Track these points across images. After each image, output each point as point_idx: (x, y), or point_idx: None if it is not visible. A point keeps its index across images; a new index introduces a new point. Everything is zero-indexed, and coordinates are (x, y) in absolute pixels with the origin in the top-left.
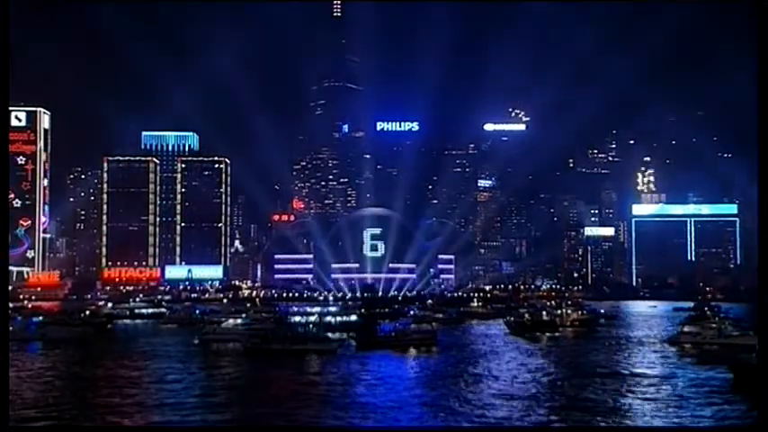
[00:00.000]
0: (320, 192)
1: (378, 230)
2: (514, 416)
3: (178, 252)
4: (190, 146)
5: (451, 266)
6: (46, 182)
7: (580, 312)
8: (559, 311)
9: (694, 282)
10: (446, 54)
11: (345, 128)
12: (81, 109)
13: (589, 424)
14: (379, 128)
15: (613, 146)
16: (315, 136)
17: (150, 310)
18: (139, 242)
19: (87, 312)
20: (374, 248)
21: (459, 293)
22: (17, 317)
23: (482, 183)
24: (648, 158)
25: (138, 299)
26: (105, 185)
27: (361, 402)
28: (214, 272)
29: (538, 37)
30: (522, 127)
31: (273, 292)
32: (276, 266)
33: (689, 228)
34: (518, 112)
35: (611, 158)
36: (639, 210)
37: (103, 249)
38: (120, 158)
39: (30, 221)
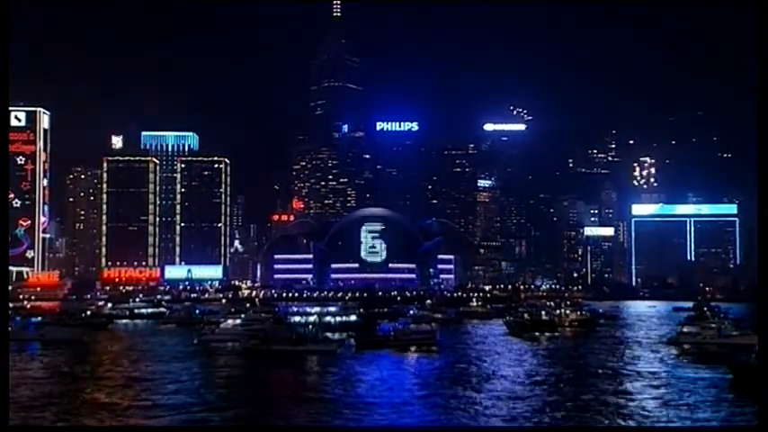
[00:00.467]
0: (320, 192)
1: (377, 230)
2: (511, 414)
3: (178, 252)
4: (189, 146)
5: (451, 266)
6: (45, 182)
7: (579, 312)
8: (558, 312)
9: (694, 282)
10: (446, 54)
11: (345, 128)
12: (81, 109)
13: (588, 424)
14: (378, 128)
15: (613, 146)
16: (315, 136)
17: (150, 310)
18: (139, 242)
19: (88, 312)
20: (374, 248)
21: (459, 293)
22: (16, 317)
23: (482, 183)
24: (648, 158)
25: (137, 299)
26: (105, 185)
27: (363, 402)
28: (214, 272)
29: (538, 37)
30: (521, 127)
31: (273, 292)
32: (276, 266)
33: (689, 228)
34: (518, 111)
35: (610, 158)
36: (639, 210)
37: (103, 249)
38: (120, 158)
39: (29, 221)
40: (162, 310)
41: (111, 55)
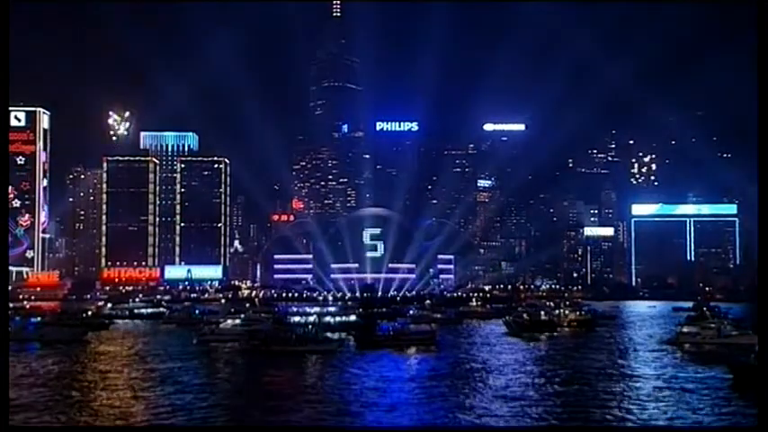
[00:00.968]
0: (320, 192)
1: (377, 230)
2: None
3: (177, 252)
4: (189, 146)
5: (451, 266)
6: (45, 182)
7: (578, 313)
8: (557, 312)
9: (694, 282)
10: (446, 54)
11: (345, 128)
12: (81, 108)
13: (585, 424)
14: (378, 128)
15: (613, 146)
16: (314, 136)
17: (150, 311)
18: (139, 242)
19: (89, 313)
20: (373, 248)
21: (459, 293)
22: (15, 317)
23: (482, 183)
24: (648, 158)
25: (137, 299)
26: (105, 185)
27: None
28: (214, 272)
29: (538, 37)
30: (521, 127)
31: (273, 292)
32: (276, 266)
33: (688, 228)
34: (518, 112)
35: (610, 158)
36: (639, 210)
37: (103, 249)
38: (120, 159)
39: (29, 221)
40: (162, 310)
41: (111, 55)
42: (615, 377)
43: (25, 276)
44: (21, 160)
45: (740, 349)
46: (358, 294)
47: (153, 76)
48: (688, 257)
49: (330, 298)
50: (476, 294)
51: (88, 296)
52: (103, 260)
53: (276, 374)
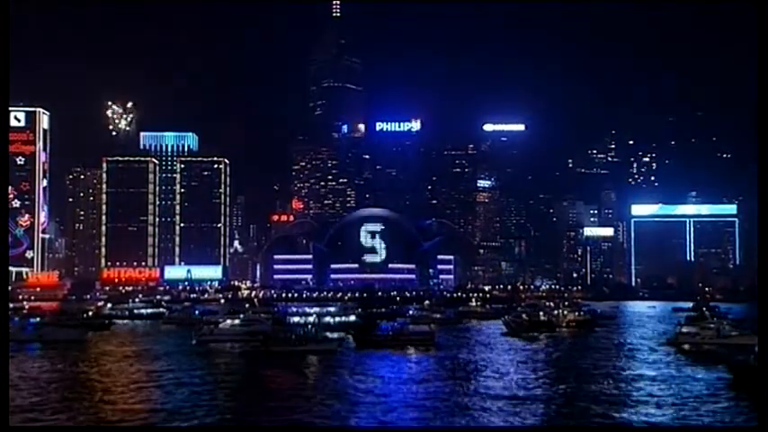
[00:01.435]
0: (319, 192)
1: (377, 231)
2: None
3: (177, 252)
4: (189, 146)
5: (451, 267)
6: (45, 182)
7: (577, 313)
8: (556, 312)
9: (693, 282)
10: (445, 54)
11: (345, 128)
12: (80, 109)
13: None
14: (378, 128)
15: (613, 146)
16: (314, 136)
17: (149, 311)
18: (139, 242)
19: (89, 313)
20: (373, 249)
21: (459, 294)
22: (14, 318)
23: (481, 183)
24: (648, 159)
25: (137, 299)
26: (104, 186)
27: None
28: (213, 272)
29: (537, 37)
30: (521, 127)
31: (273, 292)
32: (275, 267)
33: (688, 228)
34: (517, 112)
35: (610, 159)
36: (639, 210)
37: (103, 250)
38: (120, 159)
39: (29, 222)
40: (162, 310)
41: (111, 55)
42: (611, 377)
43: (25, 277)
44: (20, 160)
45: (740, 350)
46: (357, 294)
47: (153, 76)
48: (688, 258)
49: (330, 298)
50: (475, 294)
51: (88, 296)
52: (103, 260)
53: (275, 374)
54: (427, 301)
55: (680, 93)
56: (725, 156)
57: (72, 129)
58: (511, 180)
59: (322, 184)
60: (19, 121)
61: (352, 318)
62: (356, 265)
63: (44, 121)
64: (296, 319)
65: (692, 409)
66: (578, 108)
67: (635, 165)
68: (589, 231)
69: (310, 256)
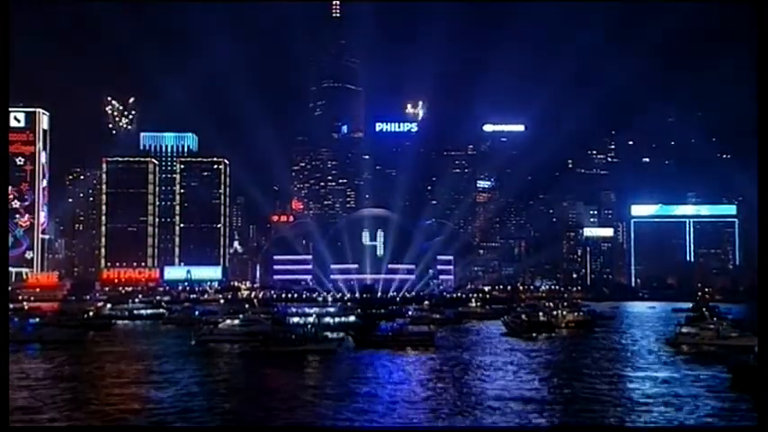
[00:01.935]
0: (319, 192)
1: (377, 231)
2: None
3: (177, 253)
4: (188, 146)
5: (450, 267)
6: (45, 182)
7: (576, 313)
8: (555, 313)
9: (693, 282)
10: (445, 55)
11: (344, 128)
12: (80, 109)
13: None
14: (378, 128)
15: (612, 147)
16: (314, 137)
17: (149, 311)
18: (138, 243)
19: (90, 313)
20: (373, 249)
21: (458, 294)
22: (14, 318)
23: (481, 183)
24: (647, 159)
25: (137, 300)
26: (104, 186)
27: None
28: (213, 272)
29: (537, 37)
30: (521, 128)
31: (272, 292)
32: (275, 267)
33: (688, 228)
34: (517, 112)
35: (610, 159)
36: (638, 210)
37: (102, 250)
38: (119, 159)
39: (29, 222)
40: (161, 311)
41: (111, 56)
42: (607, 378)
43: (24, 277)
44: (20, 161)
45: (739, 350)
46: (357, 295)
47: (153, 76)
48: (687, 258)
49: (329, 298)
50: (475, 295)
51: (88, 297)
52: (103, 261)
53: (273, 374)
54: (426, 302)
55: (679, 93)
56: (724, 156)
57: (72, 129)
58: (510, 180)
59: (322, 184)
60: (19, 121)
61: (352, 318)
62: (356, 266)
63: (44, 121)
64: (295, 319)
65: (689, 412)
66: (578, 108)
67: (634, 165)
68: (589, 232)
69: (310, 257)
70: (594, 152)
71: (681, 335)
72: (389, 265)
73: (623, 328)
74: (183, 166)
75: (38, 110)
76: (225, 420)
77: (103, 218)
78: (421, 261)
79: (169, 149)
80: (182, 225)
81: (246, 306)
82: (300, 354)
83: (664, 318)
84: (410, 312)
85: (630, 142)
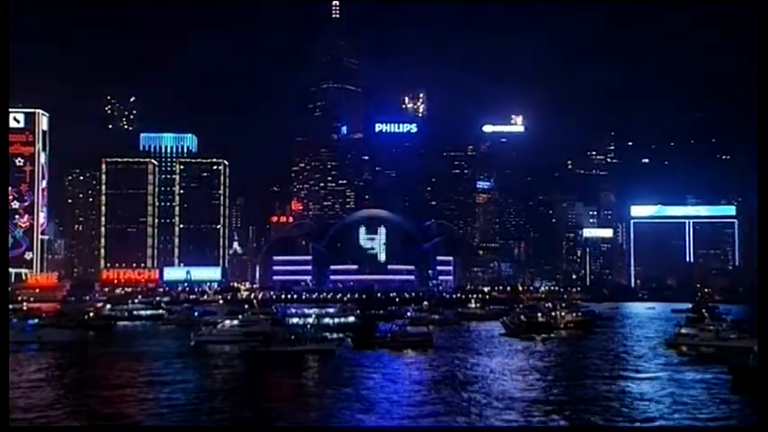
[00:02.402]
0: (319, 193)
1: (376, 232)
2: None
3: (177, 253)
4: (188, 147)
5: (450, 268)
6: (44, 183)
7: (575, 314)
8: (554, 313)
9: (693, 283)
10: (445, 55)
11: (344, 129)
12: (80, 110)
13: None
14: (377, 129)
15: (612, 147)
16: (313, 137)
17: (149, 312)
18: (138, 244)
19: (91, 314)
20: (372, 250)
21: (458, 295)
22: (13, 319)
23: (481, 184)
24: (647, 160)
25: (136, 300)
26: (104, 187)
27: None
28: (213, 273)
29: (537, 37)
30: (520, 128)
31: (272, 293)
32: (275, 268)
33: (687, 229)
34: (516, 113)
35: (609, 160)
36: (638, 211)
37: (102, 251)
38: (119, 160)
39: (28, 223)
40: (161, 311)
41: (111, 56)
42: (602, 379)
43: (24, 278)
44: (20, 162)
45: (738, 352)
46: (357, 296)
47: (152, 77)
48: (687, 259)
49: (329, 299)
50: (475, 296)
51: (87, 298)
52: (102, 261)
53: (271, 374)
54: (426, 303)
55: (679, 94)
56: (724, 157)
57: (71, 130)
58: (510, 181)
59: (321, 185)
60: (18, 122)
61: (351, 319)
62: (355, 267)
63: (43, 122)
64: (295, 320)
65: (689, 414)
66: (578, 109)
67: (634, 166)
68: (588, 232)
69: (309, 258)
70: (594, 153)
71: (680, 336)
72: (389, 266)
73: (622, 329)
74: (182, 167)
75: (37, 111)
76: (224, 420)
77: (103, 218)
78: (420, 262)
79: (168, 150)
80: (181, 226)
81: (246, 307)
82: (299, 354)
83: (663, 318)
84: (409, 313)
85: (630, 143)
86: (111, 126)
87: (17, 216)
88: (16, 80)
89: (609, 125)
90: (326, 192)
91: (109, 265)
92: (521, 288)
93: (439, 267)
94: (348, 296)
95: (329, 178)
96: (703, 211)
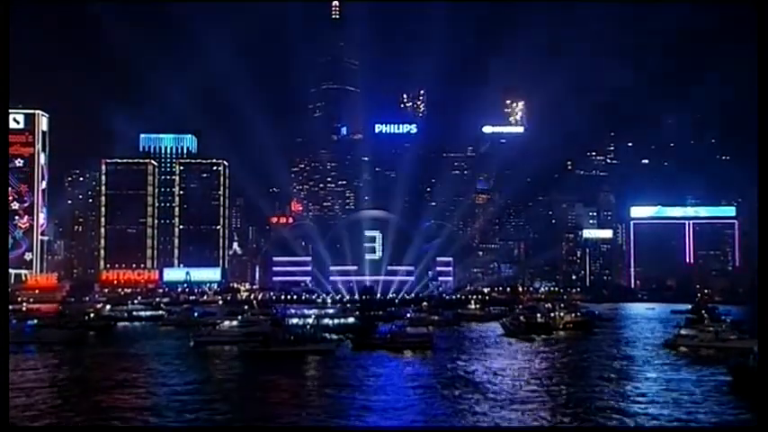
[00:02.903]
0: (318, 194)
1: (376, 233)
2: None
3: (176, 254)
4: (188, 148)
5: (450, 269)
6: (44, 184)
7: (574, 315)
8: (553, 314)
9: (692, 284)
10: (444, 56)
11: (344, 130)
12: (79, 111)
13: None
14: (377, 130)
15: (611, 148)
16: (313, 138)
17: (149, 313)
18: (138, 244)
19: (92, 315)
20: (372, 251)
21: (458, 296)
22: (12, 319)
23: (480, 185)
24: (647, 161)
25: (136, 301)
26: (103, 187)
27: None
28: (212, 274)
29: (537, 38)
30: (520, 129)
31: (272, 294)
32: (274, 269)
33: (687, 230)
34: (516, 114)
35: (609, 161)
36: (638, 212)
37: (102, 251)
38: (119, 161)
39: (28, 224)
40: (161, 312)
41: (110, 56)
42: (602, 379)
43: (24, 279)
44: (20, 162)
45: (738, 353)
46: (356, 296)
47: (152, 78)
48: (687, 260)
49: (329, 300)
50: (474, 297)
51: (87, 298)
52: (102, 262)
53: (269, 374)
54: (425, 303)
55: (678, 94)
56: (724, 158)
57: (71, 131)
58: (510, 182)
59: (321, 186)
60: (18, 123)
61: (351, 320)
62: (355, 268)
63: (43, 123)
64: (294, 320)
65: (689, 414)
66: (577, 110)
67: (634, 167)
68: (588, 233)
69: (309, 259)
70: (594, 153)
71: (679, 337)
72: (389, 267)
73: (622, 330)
74: (182, 168)
75: (37, 111)
76: (223, 421)
77: (103, 219)
78: (420, 263)
79: (168, 151)
80: (181, 226)
81: (246, 307)
82: (299, 354)
83: (662, 319)
84: (408, 314)
85: (630, 144)
86: (110, 127)
87: (17, 217)
88: (16, 80)
89: (609, 126)
90: (326, 192)
91: (109, 265)
92: (520, 289)
93: (438, 268)
94: (348, 297)
95: (329, 179)
96: (703, 211)
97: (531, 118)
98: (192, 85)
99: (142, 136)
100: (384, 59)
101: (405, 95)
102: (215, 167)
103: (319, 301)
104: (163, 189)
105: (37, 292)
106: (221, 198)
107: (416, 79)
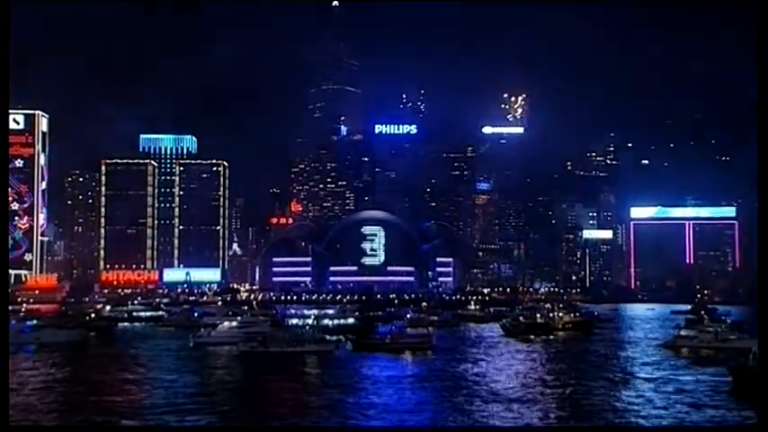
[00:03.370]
0: (318, 194)
1: (376, 233)
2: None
3: (176, 255)
4: (188, 148)
5: (450, 269)
6: (44, 185)
7: (573, 315)
8: (552, 315)
9: (692, 284)
10: (444, 56)
11: (344, 130)
12: (79, 111)
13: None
14: (377, 130)
15: (611, 148)
16: (313, 138)
17: (149, 314)
18: (137, 245)
19: (92, 315)
20: (372, 251)
21: (458, 296)
22: (12, 320)
23: (480, 185)
24: (647, 161)
25: (136, 302)
26: (103, 188)
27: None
28: (212, 275)
29: (537, 38)
30: (520, 129)
31: (272, 294)
32: (274, 269)
33: (687, 230)
34: (516, 114)
35: (609, 161)
36: (638, 212)
37: (101, 252)
38: (118, 161)
39: (27, 224)
40: (161, 313)
41: (110, 56)
42: (602, 380)
43: (23, 279)
44: (19, 163)
45: (739, 353)
46: (356, 297)
47: (152, 78)
48: (687, 260)
49: (328, 300)
50: (474, 297)
51: (87, 299)
52: (102, 263)
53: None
54: (425, 304)
55: (678, 95)
56: (724, 158)
57: (71, 131)
58: (510, 182)
59: (321, 186)
60: (18, 123)
61: (351, 320)
62: (355, 268)
63: (43, 123)
64: (294, 321)
65: (689, 415)
66: (577, 110)
67: (634, 167)
68: (588, 234)
69: (309, 259)
70: (593, 154)
71: (679, 338)
72: (388, 268)
73: (622, 330)
74: (182, 168)
75: (37, 112)
76: (222, 421)
77: (102, 220)
78: (420, 263)
79: (168, 151)
80: (181, 227)
81: (245, 308)
82: (298, 355)
83: (662, 320)
84: (408, 315)
85: (629, 144)
86: (110, 127)
87: (17, 217)
88: (16, 81)
89: (608, 126)
90: (326, 193)
91: (108, 266)
92: (520, 289)
93: (438, 269)
94: (347, 297)
95: (329, 179)
96: (703, 212)
97: (531, 118)
98: (192, 86)
99: (142, 136)
100: (384, 59)
101: (405, 95)
102: (215, 168)
103: (319, 301)
104: (162, 189)
105: (37, 292)
106: (221, 198)
107: (416, 79)
